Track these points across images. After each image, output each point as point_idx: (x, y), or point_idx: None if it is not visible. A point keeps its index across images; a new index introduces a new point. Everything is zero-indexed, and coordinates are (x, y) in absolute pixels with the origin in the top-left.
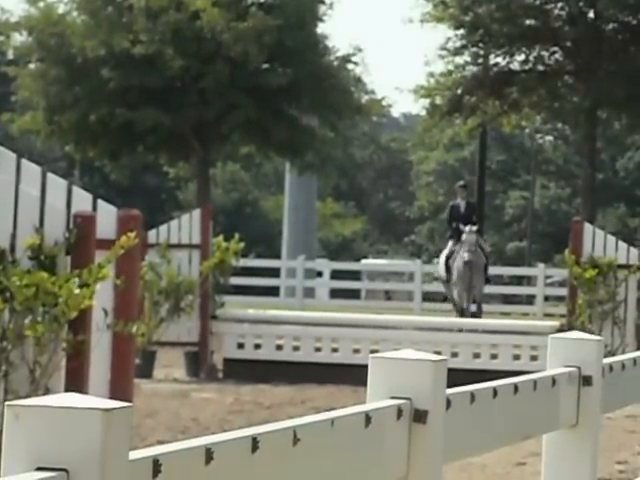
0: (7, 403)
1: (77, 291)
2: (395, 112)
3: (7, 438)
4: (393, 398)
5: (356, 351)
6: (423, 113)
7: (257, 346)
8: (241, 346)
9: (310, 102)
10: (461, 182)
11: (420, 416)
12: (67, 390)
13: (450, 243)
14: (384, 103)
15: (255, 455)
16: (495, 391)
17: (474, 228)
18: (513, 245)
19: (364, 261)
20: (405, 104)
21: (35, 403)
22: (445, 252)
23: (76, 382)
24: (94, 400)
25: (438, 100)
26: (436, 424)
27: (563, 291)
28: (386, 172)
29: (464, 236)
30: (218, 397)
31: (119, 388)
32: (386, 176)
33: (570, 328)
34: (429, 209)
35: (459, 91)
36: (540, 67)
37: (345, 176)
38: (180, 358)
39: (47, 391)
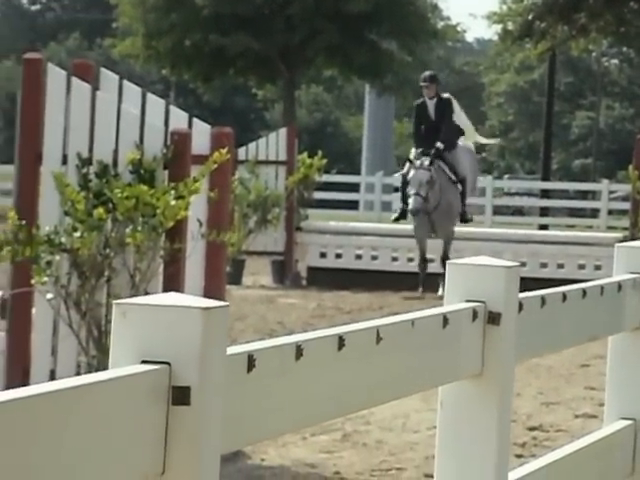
0: (115, 302)
1: (173, 203)
2: (469, 37)
3: (115, 334)
4: (468, 301)
5: (430, 260)
6: (495, 38)
7: (338, 255)
8: (323, 255)
9: (389, 27)
10: (427, 73)
11: (494, 318)
12: None
13: (406, 165)
14: (459, 29)
15: (341, 352)
16: (564, 296)
17: (426, 162)
18: (579, 162)
19: None
20: (478, 29)
21: (141, 301)
22: (401, 175)
23: (172, 287)
24: (195, 299)
25: (510, 25)
26: (509, 326)
27: (626, 205)
28: (459, 94)
29: (411, 172)
30: (302, 302)
31: (212, 293)
32: (459, 97)
33: (632, 239)
34: (499, 128)
35: (530, 17)
36: None
37: (421, 97)
38: (267, 266)
39: (146, 295)
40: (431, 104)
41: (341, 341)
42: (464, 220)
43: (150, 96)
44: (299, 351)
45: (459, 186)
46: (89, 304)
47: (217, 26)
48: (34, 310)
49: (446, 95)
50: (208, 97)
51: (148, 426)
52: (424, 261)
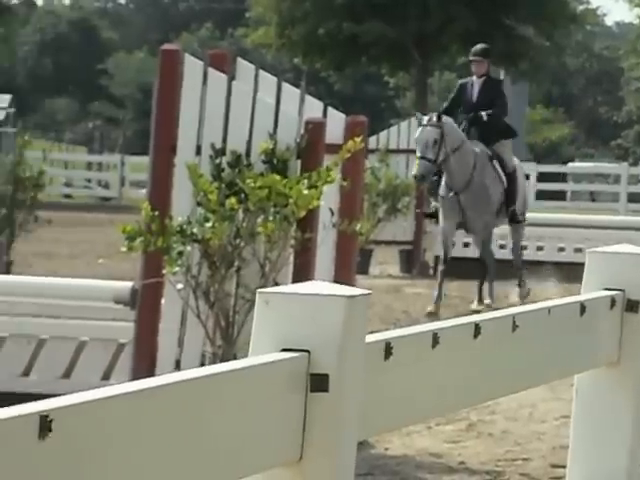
0: (259, 290)
1: (306, 192)
2: (609, 21)
3: (257, 322)
4: (606, 290)
5: (561, 249)
6: (637, 21)
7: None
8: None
9: (527, 13)
10: (479, 45)
11: (632, 306)
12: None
13: None
14: (598, 12)
15: (477, 340)
16: None
17: (435, 118)
18: None
19: (570, 164)
20: (619, 13)
21: (284, 290)
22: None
23: (303, 277)
24: (338, 288)
25: None
26: None
27: None
28: (597, 79)
29: (418, 131)
30: (428, 292)
31: (342, 283)
32: (596, 82)
33: None
34: (637, 113)
35: None
36: None
37: (557, 83)
38: (394, 256)
39: (275, 285)
40: (477, 83)
41: (477, 329)
42: (514, 220)
43: (286, 85)
44: (435, 339)
45: (504, 179)
46: (218, 294)
47: (351, 14)
48: (163, 300)
49: (497, 77)
50: (339, 85)
51: (287, 412)
52: (445, 262)
